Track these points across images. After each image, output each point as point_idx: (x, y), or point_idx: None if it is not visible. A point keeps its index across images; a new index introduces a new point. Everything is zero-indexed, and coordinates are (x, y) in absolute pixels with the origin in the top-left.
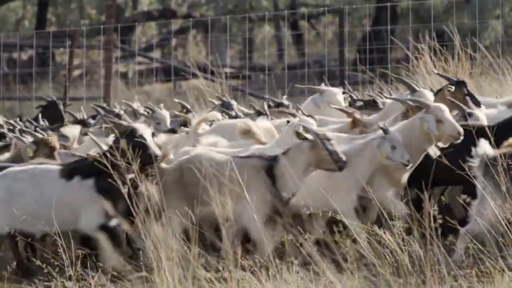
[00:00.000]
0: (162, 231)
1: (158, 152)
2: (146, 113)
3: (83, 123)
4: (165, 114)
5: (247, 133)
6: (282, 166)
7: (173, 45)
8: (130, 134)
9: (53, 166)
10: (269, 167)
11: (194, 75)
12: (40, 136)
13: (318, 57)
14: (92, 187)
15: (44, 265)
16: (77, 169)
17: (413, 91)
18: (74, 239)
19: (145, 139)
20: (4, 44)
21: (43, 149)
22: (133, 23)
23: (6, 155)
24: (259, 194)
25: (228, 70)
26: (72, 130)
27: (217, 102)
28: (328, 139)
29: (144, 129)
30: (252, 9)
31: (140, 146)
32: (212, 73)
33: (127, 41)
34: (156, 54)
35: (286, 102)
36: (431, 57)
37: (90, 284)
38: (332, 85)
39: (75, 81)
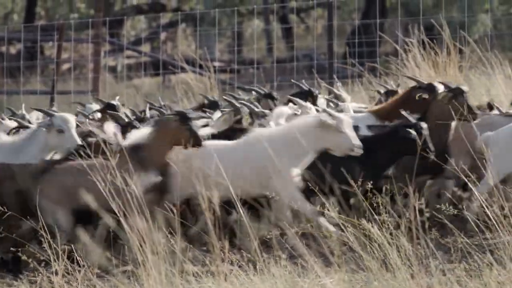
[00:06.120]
0: (147, 225)
1: None
2: None
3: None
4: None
5: None
6: None
7: (162, 39)
8: None
9: None
10: None
11: (183, 69)
12: None
13: (307, 50)
14: None
15: (30, 260)
16: None
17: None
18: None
19: None
20: None
21: None
22: (122, 16)
23: None
24: None
25: (217, 64)
26: None
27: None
28: None
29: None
30: (241, 2)
31: None
32: (201, 67)
33: (116, 34)
34: (145, 48)
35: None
36: (420, 51)
37: (77, 279)
38: (322, 79)
39: (63, 75)
